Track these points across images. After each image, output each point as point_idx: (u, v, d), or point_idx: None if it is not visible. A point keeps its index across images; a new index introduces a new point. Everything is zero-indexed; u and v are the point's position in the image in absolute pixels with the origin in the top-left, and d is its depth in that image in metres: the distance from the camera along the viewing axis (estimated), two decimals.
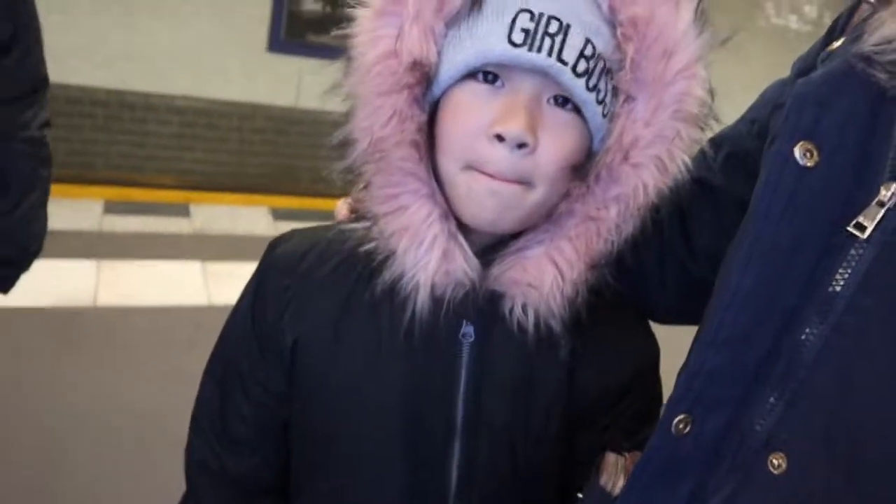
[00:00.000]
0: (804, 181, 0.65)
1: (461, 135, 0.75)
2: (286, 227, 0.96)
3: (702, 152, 0.87)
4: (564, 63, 0.72)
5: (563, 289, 0.78)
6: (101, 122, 6.19)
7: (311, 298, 0.87)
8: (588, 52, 0.73)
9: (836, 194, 0.65)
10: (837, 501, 0.62)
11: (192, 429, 0.98)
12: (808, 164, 0.65)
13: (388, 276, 0.79)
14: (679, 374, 0.72)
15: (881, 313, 0.62)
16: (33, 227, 1.55)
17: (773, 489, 0.64)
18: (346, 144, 0.79)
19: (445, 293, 0.79)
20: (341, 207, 0.92)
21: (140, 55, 6.15)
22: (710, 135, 0.82)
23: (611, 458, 0.81)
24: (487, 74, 0.75)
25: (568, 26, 0.72)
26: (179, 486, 1.02)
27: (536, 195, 0.75)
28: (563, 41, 0.72)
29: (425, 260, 0.77)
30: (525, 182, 0.75)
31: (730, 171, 0.89)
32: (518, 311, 0.79)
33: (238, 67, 6.47)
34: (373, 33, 0.76)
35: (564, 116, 0.75)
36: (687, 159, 0.76)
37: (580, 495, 0.83)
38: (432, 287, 0.78)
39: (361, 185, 0.80)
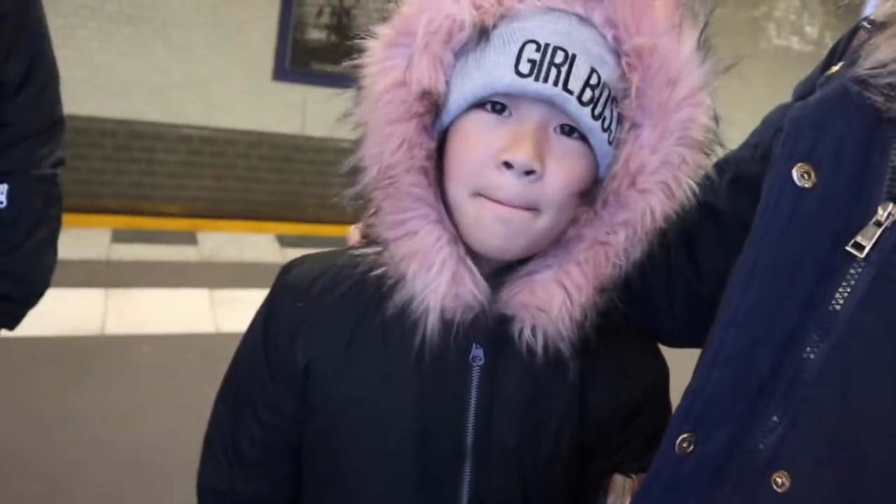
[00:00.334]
0: (802, 202, 0.67)
1: (470, 162, 0.77)
2: (293, 253, 0.97)
3: (707, 177, 0.88)
4: (570, 92, 0.73)
5: (571, 312, 0.79)
6: (109, 152, 6.24)
7: (323, 321, 0.88)
8: (593, 81, 0.74)
9: (834, 214, 0.66)
10: None
11: (204, 452, 0.99)
12: (807, 186, 0.66)
13: (398, 299, 0.80)
14: (683, 394, 0.72)
15: (881, 332, 0.62)
16: (39, 266, 1.54)
17: None
18: (356, 171, 0.80)
19: (455, 316, 0.80)
20: (353, 233, 0.93)
21: (148, 85, 6.22)
22: (715, 160, 0.83)
23: (618, 479, 0.82)
24: (495, 104, 0.76)
25: (574, 56, 0.74)
26: None
27: (544, 221, 0.77)
28: (569, 71, 0.73)
29: (435, 283, 0.78)
30: (533, 209, 0.76)
31: (734, 195, 0.90)
32: (527, 333, 0.80)
33: (244, 96, 6.53)
34: (383, 63, 0.77)
35: (571, 144, 0.76)
36: (693, 184, 0.77)
37: None
38: (442, 310, 0.79)
39: (371, 211, 0.81)
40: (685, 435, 0.70)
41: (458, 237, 0.79)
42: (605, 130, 0.76)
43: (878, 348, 0.62)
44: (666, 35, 0.76)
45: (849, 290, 0.64)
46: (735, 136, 0.91)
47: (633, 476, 0.80)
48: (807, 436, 0.64)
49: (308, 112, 6.58)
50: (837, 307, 0.65)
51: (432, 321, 0.79)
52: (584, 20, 0.77)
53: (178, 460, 1.49)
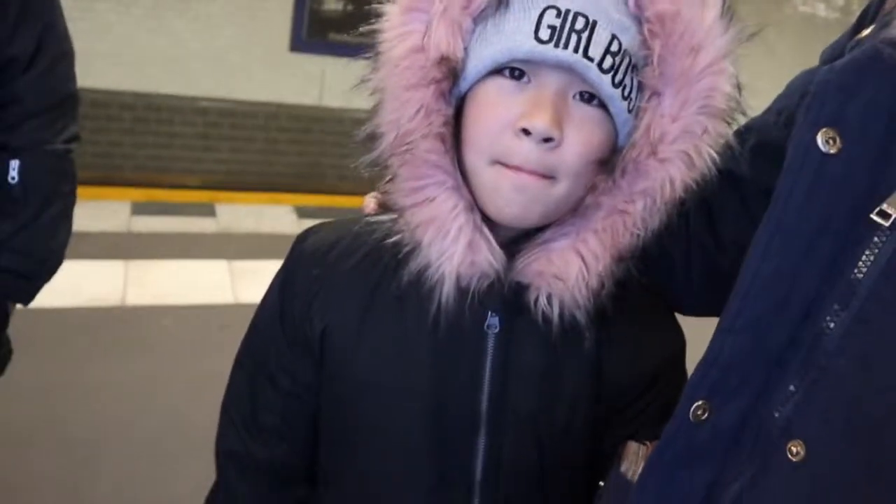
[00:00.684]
0: (826, 168, 0.65)
1: (487, 129, 0.76)
2: (311, 224, 0.97)
3: (728, 144, 0.87)
4: (591, 59, 0.72)
5: (588, 281, 0.78)
6: (127, 125, 6.27)
7: (339, 288, 0.88)
8: (614, 48, 0.73)
9: (859, 181, 0.65)
10: (856, 489, 0.62)
11: (222, 418, 1.00)
12: (831, 151, 0.65)
13: (413, 266, 0.80)
14: (699, 362, 0.72)
15: None
16: (52, 242, 1.55)
17: (793, 476, 0.64)
18: (372, 138, 0.80)
19: (471, 284, 0.80)
20: (369, 201, 0.93)
21: (165, 58, 6.22)
22: (737, 127, 0.82)
23: (632, 446, 0.82)
24: (514, 70, 0.75)
25: (594, 22, 0.73)
26: (206, 485, 1.04)
27: (561, 189, 0.76)
28: (590, 38, 0.72)
29: (451, 251, 0.78)
30: (550, 176, 0.75)
31: (757, 162, 0.89)
32: (543, 301, 0.80)
33: (261, 68, 6.52)
34: (401, 29, 0.77)
35: (590, 112, 0.75)
36: (714, 154, 0.76)
37: (602, 483, 0.83)
38: (457, 278, 0.79)
39: (388, 178, 0.81)
40: (700, 402, 0.70)
41: (475, 205, 0.79)
42: (625, 98, 0.75)
43: None
44: (689, 1, 0.74)
45: (872, 258, 0.63)
46: (759, 105, 0.90)
47: (648, 443, 0.80)
48: (823, 405, 0.64)
49: (326, 83, 6.56)
50: (860, 276, 0.64)
51: (448, 288, 0.79)
52: None
53: (199, 429, 1.50)
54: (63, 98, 1.53)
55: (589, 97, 0.75)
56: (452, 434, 0.86)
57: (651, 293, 0.90)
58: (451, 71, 0.76)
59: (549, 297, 0.80)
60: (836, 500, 0.63)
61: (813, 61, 0.89)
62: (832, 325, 0.65)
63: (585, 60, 0.72)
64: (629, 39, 0.75)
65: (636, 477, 0.78)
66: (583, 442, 0.88)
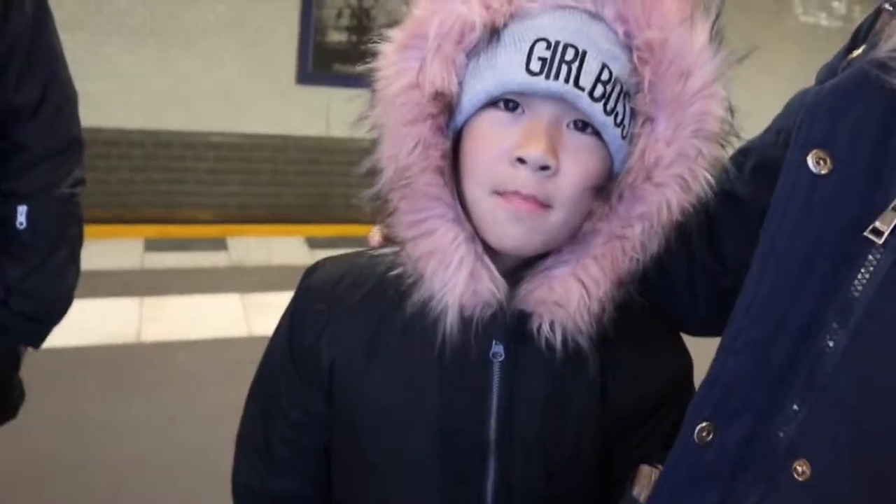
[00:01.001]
0: (818, 189, 0.66)
1: (484, 160, 0.77)
2: (321, 255, 0.99)
3: (729, 164, 0.88)
4: (581, 89, 0.74)
5: (589, 306, 0.79)
6: (138, 163, 6.34)
7: (346, 322, 0.90)
8: (604, 76, 0.75)
9: (851, 200, 0.66)
10: None
11: (237, 451, 1.02)
12: (822, 172, 0.66)
13: (417, 298, 0.81)
14: (701, 383, 0.72)
15: None
16: (61, 285, 1.57)
17: (799, 496, 0.65)
18: (373, 173, 0.81)
19: (474, 314, 0.81)
20: (374, 234, 0.94)
21: (173, 95, 6.30)
22: (731, 151, 0.83)
23: (644, 469, 0.82)
24: (508, 102, 0.77)
25: (584, 53, 0.74)
26: None
27: (559, 217, 0.77)
28: (580, 68, 0.74)
29: (453, 281, 0.79)
30: (547, 205, 0.76)
31: (757, 182, 0.89)
32: (546, 329, 0.80)
33: (269, 101, 6.59)
34: (396, 66, 0.78)
35: (584, 140, 0.77)
36: (710, 177, 0.77)
37: None
38: (461, 308, 0.80)
39: (389, 212, 0.82)
40: (704, 424, 0.70)
41: (476, 235, 0.80)
42: (618, 125, 0.76)
43: None
44: (677, 28, 0.75)
45: (868, 276, 0.64)
46: (762, 119, 0.90)
47: (660, 466, 0.80)
48: (827, 424, 0.64)
49: (332, 114, 6.62)
50: (856, 294, 0.64)
51: (451, 319, 0.80)
52: (594, 16, 0.77)
53: (217, 463, 1.51)
54: (68, 143, 1.56)
55: (583, 125, 0.76)
56: (462, 462, 0.86)
57: (654, 316, 0.90)
58: (446, 106, 0.78)
59: (551, 325, 0.80)
60: None
61: (815, 70, 0.90)
62: (831, 343, 0.65)
63: (576, 90, 0.74)
64: (619, 67, 0.76)
65: (647, 501, 0.78)
66: (592, 466, 0.88)
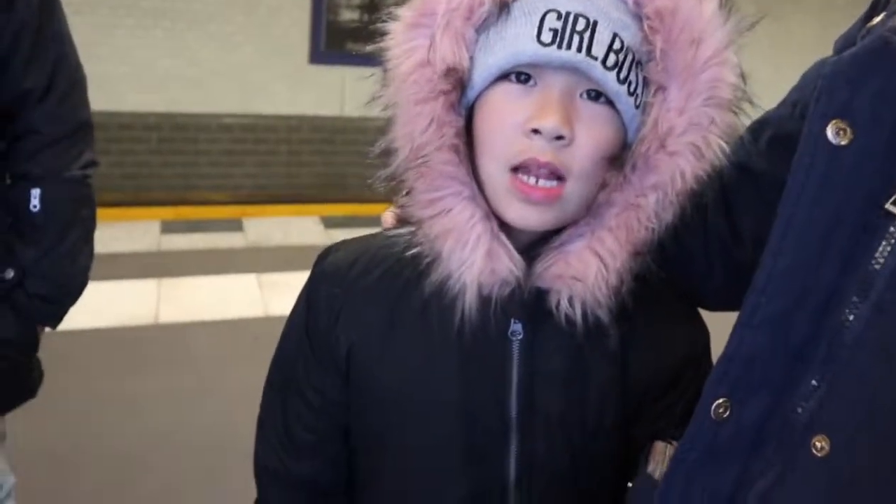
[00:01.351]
0: (838, 160, 0.65)
1: (498, 134, 0.77)
2: (337, 234, 0.99)
3: (744, 137, 0.86)
4: (594, 58, 0.73)
5: (607, 279, 0.79)
6: (153, 146, 6.36)
7: (362, 305, 0.89)
8: (616, 45, 0.74)
9: (871, 172, 0.64)
10: (882, 482, 0.61)
11: (258, 435, 1.02)
12: (842, 143, 0.65)
13: (435, 278, 0.81)
14: (718, 359, 0.72)
15: None
16: (74, 267, 1.58)
17: (818, 472, 0.64)
18: (387, 153, 0.81)
19: (492, 292, 0.80)
20: (387, 216, 0.94)
21: (186, 78, 6.31)
22: (745, 119, 0.82)
23: (659, 446, 0.81)
24: (520, 75, 0.76)
25: (595, 22, 0.74)
26: (247, 497, 1.06)
27: (572, 190, 0.77)
28: (592, 37, 0.73)
29: (471, 260, 0.78)
30: (562, 177, 0.76)
31: (773, 155, 0.88)
32: (565, 304, 0.80)
33: (282, 81, 6.58)
34: (406, 45, 0.78)
35: (598, 109, 0.76)
36: (724, 145, 0.76)
37: (630, 484, 0.83)
38: (479, 287, 0.79)
39: (405, 192, 0.82)
40: (721, 400, 0.69)
41: (491, 213, 0.79)
42: (631, 94, 0.76)
43: None
44: None
45: (889, 248, 0.63)
46: (779, 90, 0.89)
47: (674, 443, 0.80)
48: (847, 399, 0.63)
49: (347, 93, 6.61)
50: (877, 266, 0.63)
51: (470, 298, 0.80)
52: None
53: (237, 441, 1.53)
54: (78, 126, 1.56)
55: (595, 95, 0.76)
56: (484, 441, 0.86)
57: (673, 289, 0.90)
58: (458, 82, 0.77)
59: (570, 300, 0.80)
60: (861, 494, 0.62)
61: (832, 41, 0.88)
62: (852, 317, 0.64)
63: (589, 59, 0.73)
64: (630, 37, 0.75)
65: (662, 477, 0.78)
66: (613, 438, 0.88)
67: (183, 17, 6.22)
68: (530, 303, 0.82)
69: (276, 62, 6.52)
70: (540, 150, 0.74)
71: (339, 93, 6.64)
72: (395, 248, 0.86)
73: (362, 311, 0.89)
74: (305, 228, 6.15)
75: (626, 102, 0.76)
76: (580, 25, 0.73)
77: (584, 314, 0.80)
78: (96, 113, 1.62)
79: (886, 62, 0.65)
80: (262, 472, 1.02)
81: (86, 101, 1.60)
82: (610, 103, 0.76)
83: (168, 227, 5.92)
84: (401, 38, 0.79)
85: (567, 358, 0.85)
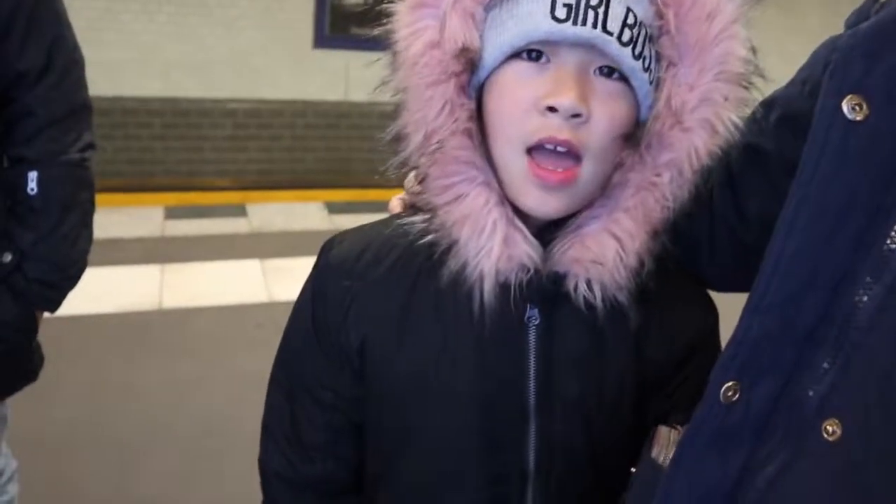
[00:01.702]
0: (853, 136, 0.63)
1: (512, 113, 0.75)
2: (341, 220, 0.98)
3: (752, 116, 0.85)
4: (610, 34, 0.72)
5: (626, 261, 0.78)
6: (157, 131, 6.35)
7: (373, 297, 0.87)
8: (630, 20, 0.73)
9: (888, 149, 0.63)
10: (893, 465, 0.60)
11: (264, 437, 0.99)
12: (857, 119, 0.63)
13: (452, 265, 0.79)
14: (727, 343, 0.71)
15: None
16: (73, 250, 1.57)
17: (829, 456, 0.63)
18: (399, 139, 0.80)
19: (510, 279, 0.79)
20: (395, 202, 0.92)
21: (190, 63, 6.29)
22: (756, 94, 0.81)
23: (663, 430, 0.80)
24: (531, 52, 0.75)
25: None
26: (249, 483, 1.04)
27: (589, 170, 0.76)
28: (606, 12, 0.72)
29: (488, 246, 0.77)
30: (579, 156, 0.75)
31: (782, 134, 0.87)
32: (583, 288, 0.79)
33: (286, 66, 6.56)
34: (413, 26, 0.76)
35: (612, 85, 0.75)
36: (736, 119, 0.76)
37: (633, 469, 0.83)
38: (496, 273, 0.78)
39: (419, 179, 0.81)
40: (730, 384, 0.68)
41: (505, 198, 0.78)
42: (646, 70, 0.75)
43: None
44: None
45: None
46: (787, 70, 0.88)
47: (678, 427, 0.79)
48: (858, 382, 0.62)
49: (351, 78, 6.59)
50: (892, 246, 0.62)
51: (488, 285, 0.79)
52: None
53: (241, 427, 1.53)
54: (75, 108, 1.54)
55: (609, 71, 0.75)
56: (502, 428, 0.85)
57: (684, 267, 0.89)
58: (468, 63, 0.76)
59: (588, 283, 0.79)
60: (873, 478, 0.62)
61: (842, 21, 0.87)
62: (865, 298, 0.63)
63: (605, 35, 0.72)
64: (643, 11, 0.74)
65: (667, 462, 0.76)
66: (628, 422, 0.88)
67: (187, 2, 6.20)
68: (547, 288, 0.81)
69: (280, 47, 6.49)
70: (557, 128, 0.73)
71: (343, 77, 6.61)
72: (406, 235, 0.84)
73: (375, 303, 0.87)
74: (309, 214, 6.14)
75: (641, 78, 0.75)
76: (594, 0, 0.72)
77: (604, 297, 0.79)
78: (100, 98, 1.60)
79: None
80: (271, 476, 0.98)
81: (83, 83, 1.57)
82: (623, 79, 0.75)
83: (171, 213, 5.91)
84: (406, 19, 0.77)
85: (584, 341, 0.84)
